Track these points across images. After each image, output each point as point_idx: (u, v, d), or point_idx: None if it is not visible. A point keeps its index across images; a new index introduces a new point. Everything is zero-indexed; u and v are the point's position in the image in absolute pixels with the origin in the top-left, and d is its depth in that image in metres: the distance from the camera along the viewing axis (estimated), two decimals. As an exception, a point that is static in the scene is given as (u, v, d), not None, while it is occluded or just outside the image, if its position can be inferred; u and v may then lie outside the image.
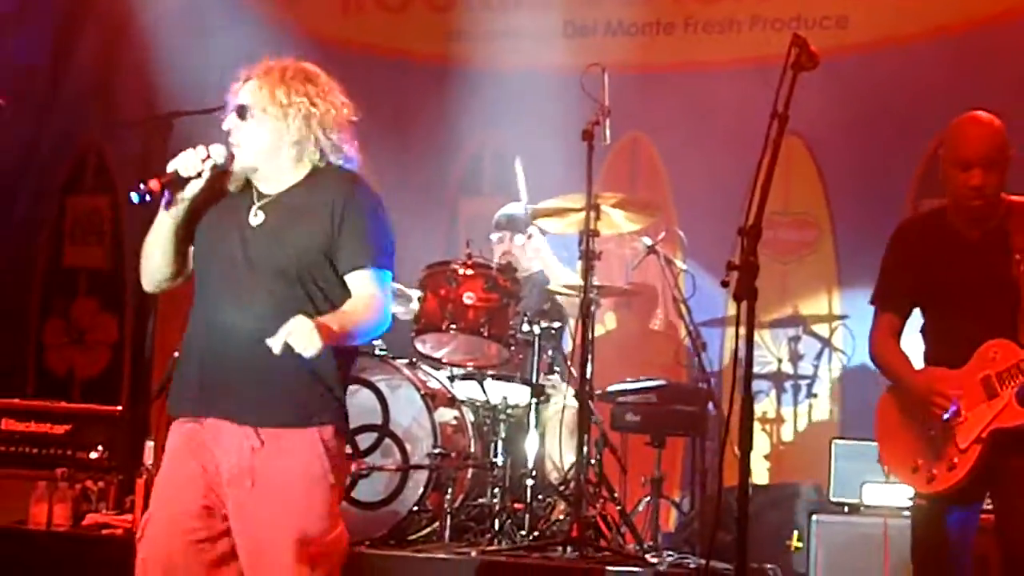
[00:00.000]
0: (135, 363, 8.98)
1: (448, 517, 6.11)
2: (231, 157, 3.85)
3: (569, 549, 5.78)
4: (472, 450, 6.43)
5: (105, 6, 9.41)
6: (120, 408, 7.37)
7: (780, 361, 8.01)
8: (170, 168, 3.77)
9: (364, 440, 6.22)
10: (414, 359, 6.54)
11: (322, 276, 3.83)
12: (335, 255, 3.84)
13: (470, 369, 6.58)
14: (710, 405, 6.82)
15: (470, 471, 6.39)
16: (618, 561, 5.72)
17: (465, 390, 6.61)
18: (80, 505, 6.54)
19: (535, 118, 8.11)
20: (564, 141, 6.84)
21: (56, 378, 9.49)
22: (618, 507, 6.32)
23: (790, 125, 4.05)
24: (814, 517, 6.27)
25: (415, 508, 6.12)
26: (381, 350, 6.38)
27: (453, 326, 6.34)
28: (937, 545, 4.62)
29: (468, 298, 6.34)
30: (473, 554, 5.76)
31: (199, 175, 3.78)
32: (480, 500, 6.37)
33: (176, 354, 6.72)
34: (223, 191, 3.94)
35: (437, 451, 6.14)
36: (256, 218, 3.88)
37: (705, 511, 6.66)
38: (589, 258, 6.17)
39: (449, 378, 6.63)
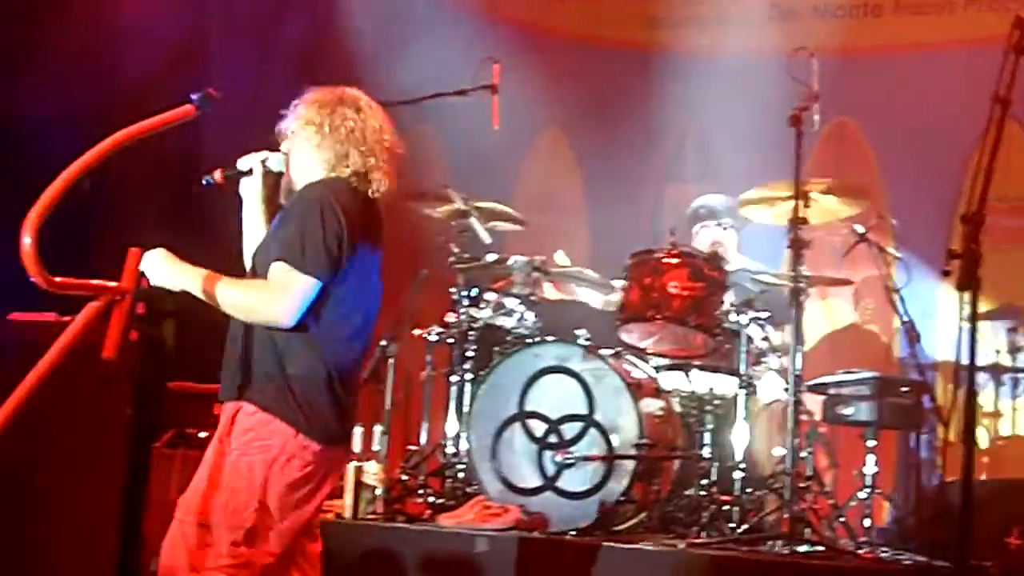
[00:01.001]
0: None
1: (655, 508, 6.04)
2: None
3: (779, 543, 5.66)
4: (678, 441, 6.37)
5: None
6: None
7: (998, 353, 7.75)
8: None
9: (569, 430, 6.21)
10: (619, 349, 6.49)
11: None
12: None
13: (675, 359, 6.50)
14: (926, 398, 6.64)
15: (677, 462, 6.33)
16: (830, 556, 5.61)
17: (671, 380, 6.55)
18: (290, 489, 6.62)
19: (739, 103, 8.00)
20: (769, 127, 6.71)
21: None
22: (830, 501, 6.20)
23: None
24: (1036, 514, 6.06)
25: (621, 498, 6.07)
26: (586, 339, 6.34)
27: (658, 315, 6.28)
28: None
29: (673, 287, 6.28)
30: (680, 546, 5.69)
31: (250, 171, 4.33)
32: (687, 492, 6.31)
33: (383, 342, 6.86)
34: None
35: (643, 441, 6.07)
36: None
37: (921, 506, 6.48)
38: (798, 247, 6.04)
39: (655, 368, 6.57)
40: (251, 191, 4.38)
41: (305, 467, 4.06)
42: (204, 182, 4.33)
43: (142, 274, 3.80)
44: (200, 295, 4.00)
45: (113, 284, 3.65)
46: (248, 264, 4.33)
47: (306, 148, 4.25)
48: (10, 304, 6.06)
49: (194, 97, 3.95)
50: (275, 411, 4.03)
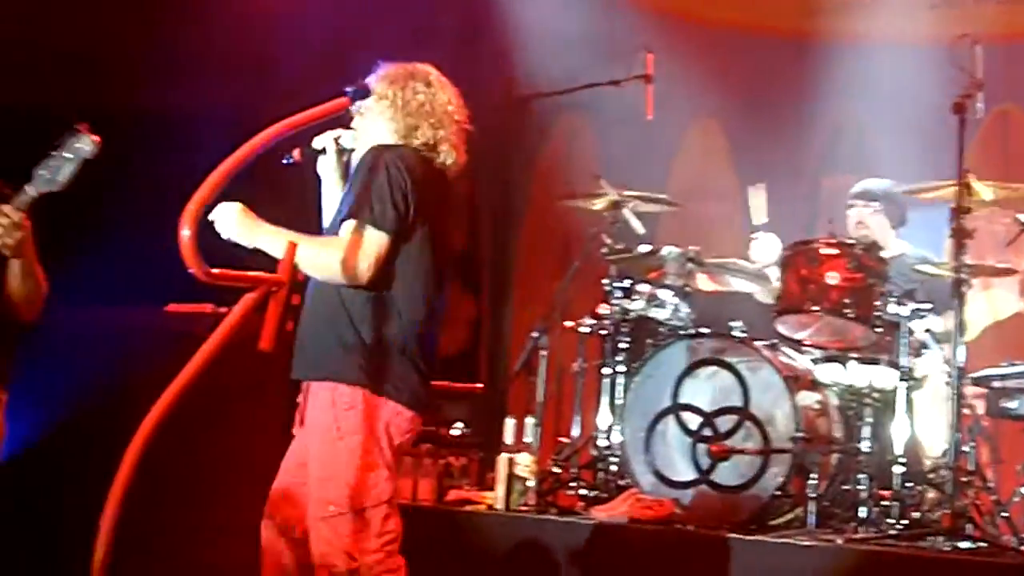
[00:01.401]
0: (493, 342, 9.11)
1: (812, 503, 5.95)
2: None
3: (940, 539, 5.53)
4: (836, 435, 6.26)
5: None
6: (481, 386, 7.47)
7: None
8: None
9: (724, 423, 6.15)
10: (775, 340, 6.40)
11: None
12: None
13: (833, 351, 6.39)
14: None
15: (834, 456, 6.22)
16: (993, 553, 5.46)
17: (828, 373, 6.44)
18: (443, 480, 6.66)
19: (898, 92, 7.85)
20: (929, 116, 6.57)
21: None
22: (992, 497, 6.04)
23: None
24: None
25: (777, 493, 5.98)
26: (741, 331, 6.27)
27: (815, 307, 6.19)
28: None
29: (831, 278, 6.18)
30: (839, 541, 5.59)
31: (324, 151, 4.48)
32: (845, 486, 6.19)
33: (534, 334, 6.86)
34: None
35: (799, 435, 5.98)
36: None
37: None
38: (961, 236, 5.90)
39: (811, 360, 6.47)
40: (327, 169, 4.53)
41: (404, 434, 4.18)
42: (284, 161, 4.45)
43: (298, 266, 3.84)
44: (275, 254, 3.97)
45: (269, 275, 3.68)
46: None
47: (378, 122, 4.35)
48: (167, 296, 6.18)
49: (349, 90, 3.99)
50: (367, 384, 4.10)
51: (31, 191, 4.52)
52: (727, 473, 6.08)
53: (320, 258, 4.06)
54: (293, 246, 3.90)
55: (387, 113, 4.33)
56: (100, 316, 6.53)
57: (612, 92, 7.13)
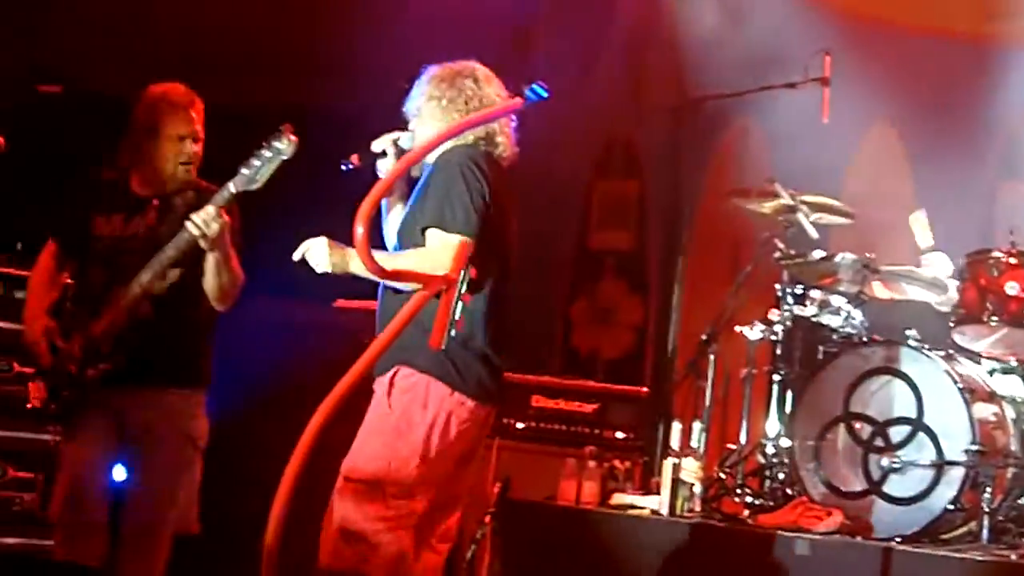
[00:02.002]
0: (659, 345, 9.05)
1: (986, 517, 5.80)
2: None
3: (1120, 560, 5.37)
4: (1012, 448, 6.09)
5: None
6: (646, 389, 7.42)
7: None
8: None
9: (896, 433, 6.03)
10: (951, 351, 6.26)
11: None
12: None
13: (1012, 363, 6.23)
14: None
15: (1010, 470, 6.05)
16: None
17: (1005, 385, 6.27)
18: (607, 484, 6.62)
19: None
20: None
21: (580, 357, 9.67)
22: None
23: None
24: None
25: (950, 506, 5.85)
26: (917, 340, 6.14)
27: (995, 317, 6.05)
28: None
29: (1011, 288, 6.04)
30: (1013, 557, 5.45)
31: (384, 153, 4.49)
32: (1020, 501, 6.03)
33: (703, 337, 6.79)
34: None
35: (974, 448, 5.84)
36: None
37: None
38: None
39: (989, 372, 6.31)
40: (380, 171, 4.55)
41: (462, 424, 4.23)
42: (344, 167, 4.51)
43: (469, 265, 3.86)
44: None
45: (441, 274, 3.70)
46: (392, 240, 4.50)
47: (431, 123, 4.43)
48: (336, 291, 6.24)
49: (527, 91, 3.98)
50: (431, 371, 4.19)
51: (232, 188, 4.69)
52: (899, 485, 5.97)
53: (414, 267, 4.05)
54: (464, 244, 3.91)
55: (437, 113, 4.44)
56: (271, 308, 6.62)
57: (787, 94, 7.05)
